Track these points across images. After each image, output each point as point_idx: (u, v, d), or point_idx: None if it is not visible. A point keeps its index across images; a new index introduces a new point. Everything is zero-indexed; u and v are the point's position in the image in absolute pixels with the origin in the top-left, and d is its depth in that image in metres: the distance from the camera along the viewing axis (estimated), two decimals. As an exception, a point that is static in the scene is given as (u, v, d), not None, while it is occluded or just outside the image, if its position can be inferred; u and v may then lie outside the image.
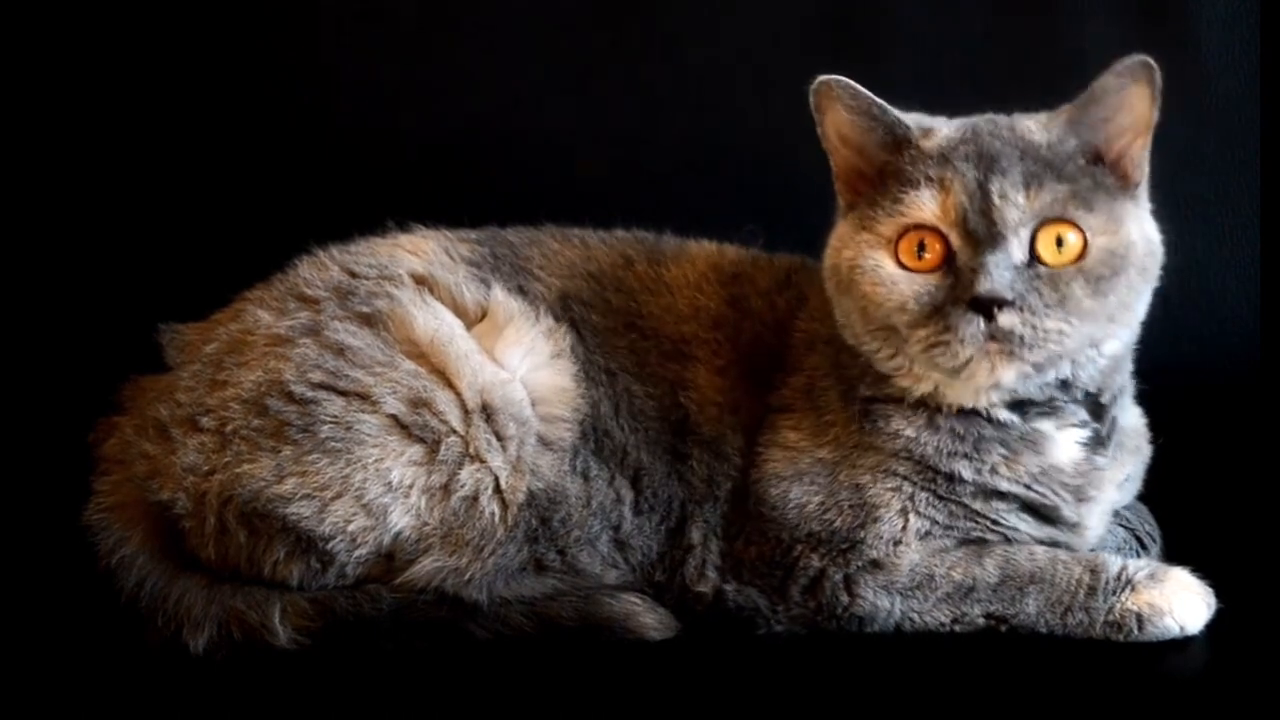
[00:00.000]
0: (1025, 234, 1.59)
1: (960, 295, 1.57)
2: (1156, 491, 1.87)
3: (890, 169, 1.66)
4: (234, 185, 2.51)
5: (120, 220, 2.51)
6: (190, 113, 2.51)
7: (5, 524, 2.05)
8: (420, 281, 1.80)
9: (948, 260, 1.61)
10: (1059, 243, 1.59)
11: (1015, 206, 1.58)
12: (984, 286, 1.56)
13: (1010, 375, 1.61)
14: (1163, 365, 1.83)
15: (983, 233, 1.58)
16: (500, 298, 1.79)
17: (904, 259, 1.62)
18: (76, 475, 1.81)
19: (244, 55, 2.53)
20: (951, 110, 1.75)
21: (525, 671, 1.65)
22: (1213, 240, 2.05)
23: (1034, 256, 1.59)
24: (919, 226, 1.61)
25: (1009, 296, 1.56)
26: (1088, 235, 1.59)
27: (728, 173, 2.48)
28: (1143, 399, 1.83)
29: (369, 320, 1.73)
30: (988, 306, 1.56)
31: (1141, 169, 1.66)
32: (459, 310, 1.78)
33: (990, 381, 1.62)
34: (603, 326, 1.82)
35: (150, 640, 1.70)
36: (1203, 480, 2.06)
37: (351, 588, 1.71)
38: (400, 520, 1.68)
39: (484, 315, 1.79)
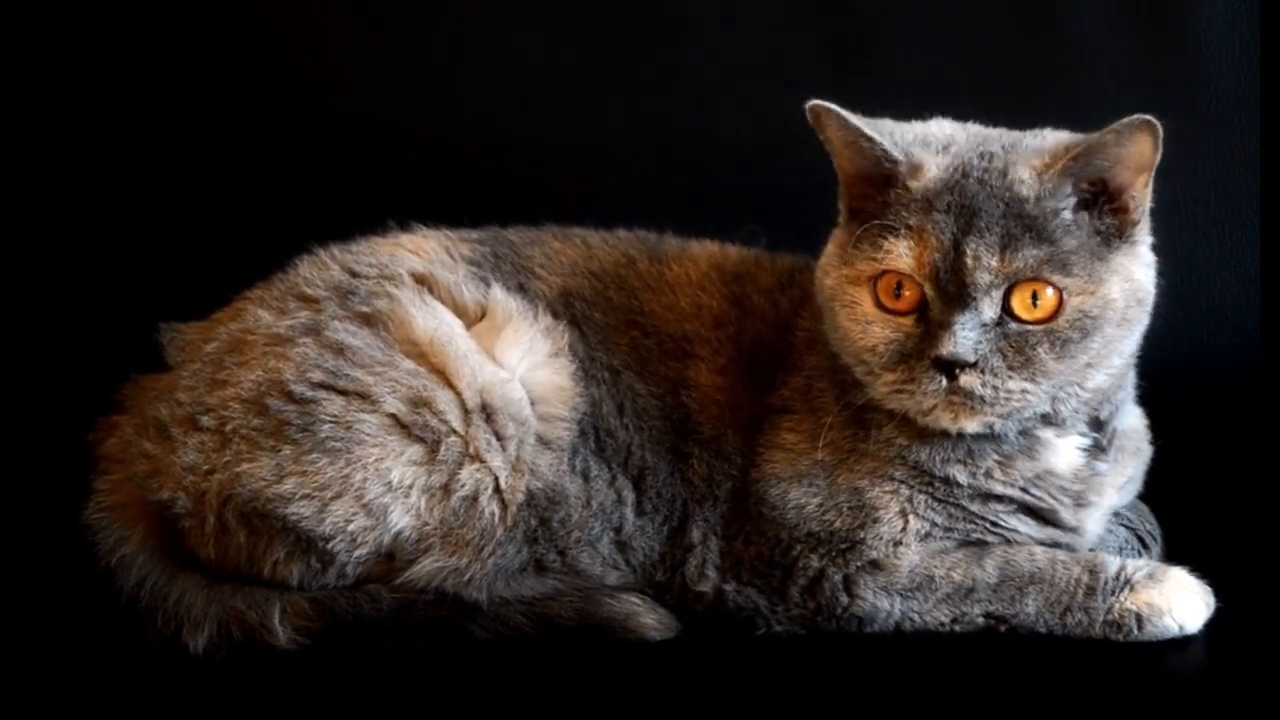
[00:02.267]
0: (997, 295, 1.58)
1: (925, 349, 1.59)
2: (1156, 491, 1.87)
3: (879, 202, 1.65)
4: (234, 185, 2.51)
5: (120, 220, 2.51)
6: (190, 113, 2.51)
7: (5, 524, 2.05)
8: (420, 281, 1.79)
9: (922, 306, 1.61)
10: (1034, 298, 1.59)
11: (987, 271, 1.57)
12: (946, 348, 1.57)
13: (973, 425, 1.63)
14: (1163, 365, 1.83)
15: (953, 292, 1.58)
16: (499, 297, 1.79)
17: (882, 298, 1.63)
18: (76, 475, 1.81)
19: (244, 55, 2.52)
20: (952, 112, 1.75)
21: (525, 671, 1.65)
22: (1213, 240, 2.05)
23: (1008, 310, 1.59)
24: (895, 273, 1.62)
25: (971, 359, 1.57)
26: (1064, 294, 1.59)
27: (729, 173, 2.48)
28: (1143, 399, 1.83)
29: (369, 320, 1.73)
30: (949, 367, 1.57)
31: (1141, 209, 1.64)
32: (459, 310, 1.78)
33: (955, 429, 1.64)
34: (604, 325, 1.82)
35: (150, 640, 1.70)
36: (1203, 480, 2.06)
37: (351, 588, 1.71)
38: (400, 520, 1.68)
39: (484, 314, 1.79)
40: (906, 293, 1.61)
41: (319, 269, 1.82)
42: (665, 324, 1.82)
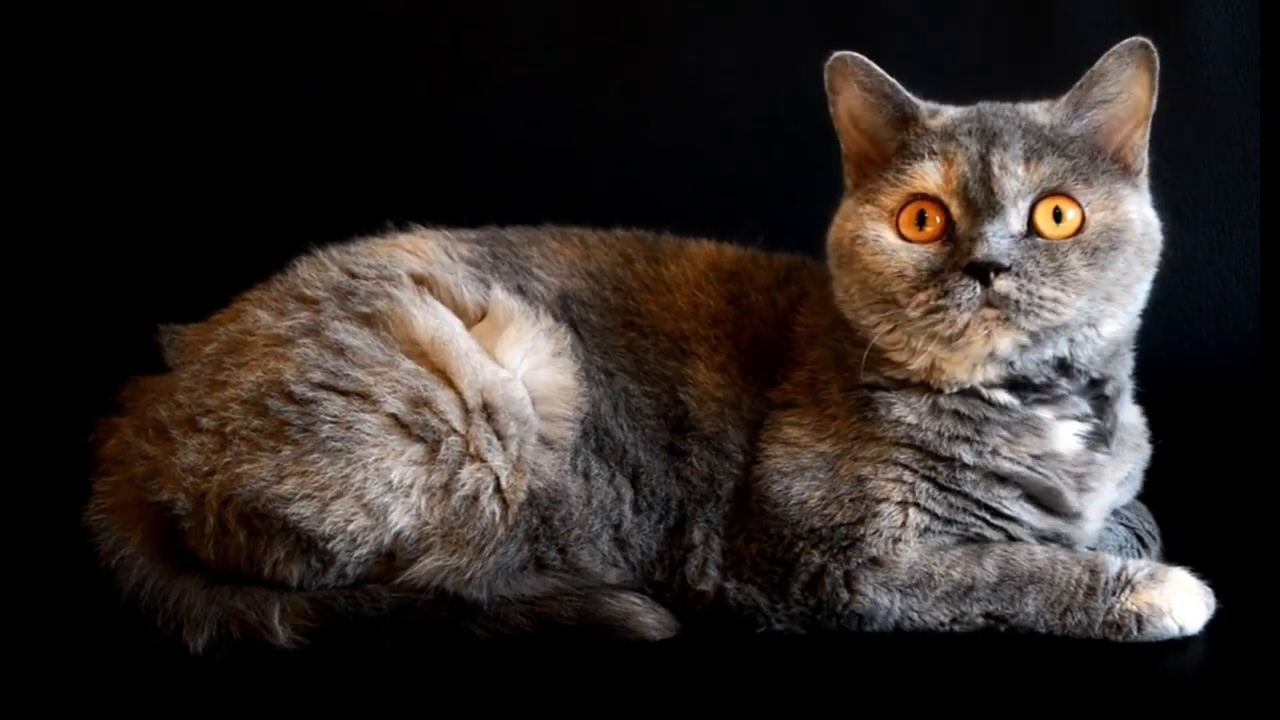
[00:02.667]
0: (1024, 205, 1.62)
1: (958, 261, 1.61)
2: (1156, 491, 1.87)
3: (896, 146, 1.70)
4: (234, 185, 2.51)
5: (120, 220, 2.51)
6: (190, 113, 2.51)
7: (5, 524, 2.05)
8: (420, 281, 1.80)
9: (947, 231, 1.64)
10: (1057, 216, 1.63)
11: (1014, 177, 1.62)
12: (981, 252, 1.59)
13: (1006, 343, 1.63)
14: (1163, 365, 1.83)
15: (982, 202, 1.61)
16: (500, 297, 1.79)
17: (904, 230, 1.66)
18: (76, 475, 1.81)
19: (244, 55, 2.53)
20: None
21: (525, 671, 1.65)
22: (1213, 240, 2.06)
23: (1032, 228, 1.62)
24: (921, 196, 1.65)
25: (1005, 262, 1.59)
26: (1086, 210, 1.63)
27: (728, 172, 2.48)
28: (1143, 399, 1.83)
29: (369, 320, 1.73)
30: (984, 272, 1.59)
31: (1141, 158, 1.70)
32: (458, 310, 1.78)
33: (986, 349, 1.64)
34: (601, 325, 1.82)
35: (150, 640, 1.70)
36: (1203, 480, 2.06)
37: (351, 587, 1.72)
38: (400, 520, 1.68)
39: (484, 315, 1.79)
40: (929, 224, 1.65)
41: (318, 270, 1.82)
42: (662, 324, 1.82)
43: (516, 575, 1.73)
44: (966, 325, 1.61)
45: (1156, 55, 1.65)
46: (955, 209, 1.63)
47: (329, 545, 1.68)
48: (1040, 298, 1.60)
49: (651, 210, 1.99)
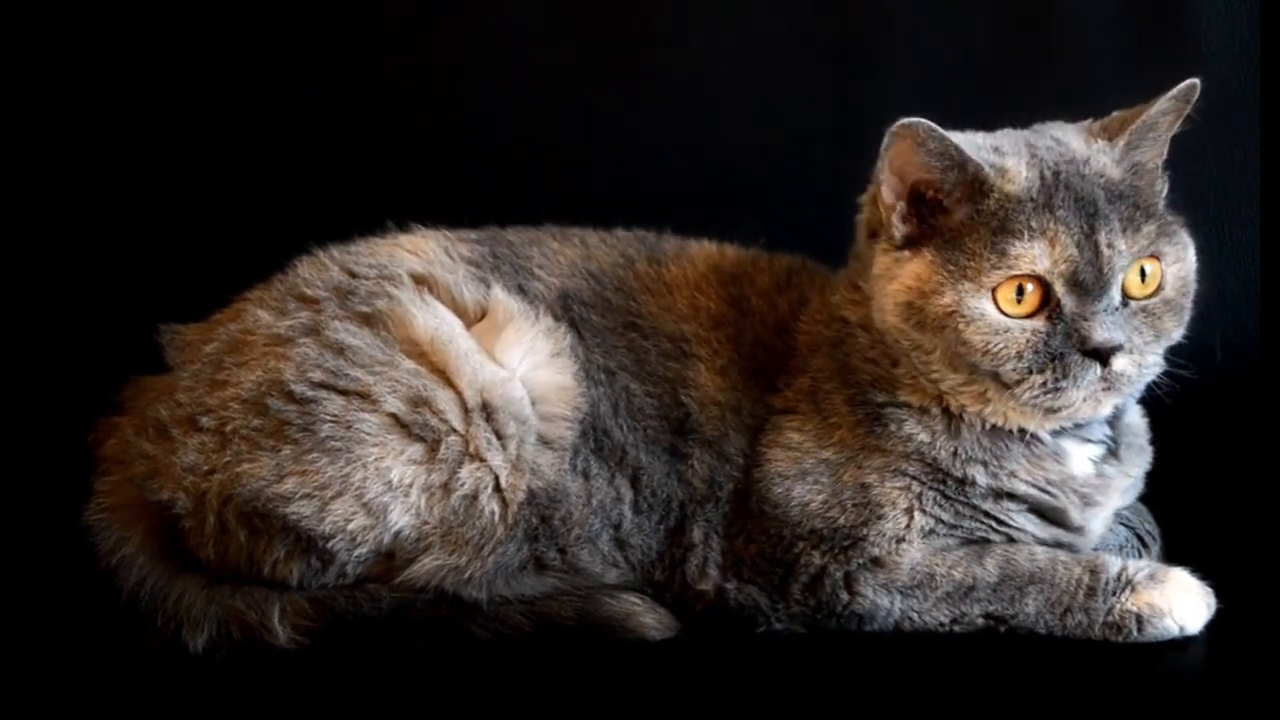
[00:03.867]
0: (1122, 277, 1.61)
1: (1077, 344, 1.60)
2: (1156, 491, 1.87)
3: (972, 218, 1.63)
4: (234, 185, 2.51)
5: (120, 220, 2.51)
6: (190, 112, 2.51)
7: (5, 524, 2.05)
8: (420, 281, 1.79)
9: (1045, 303, 1.61)
10: (1142, 275, 1.62)
11: (1121, 255, 1.60)
12: (1100, 336, 1.59)
13: (1108, 408, 1.67)
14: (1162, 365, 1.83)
15: (1091, 282, 1.59)
16: (500, 297, 1.79)
17: (1004, 305, 1.61)
18: (76, 475, 1.82)
19: (244, 55, 2.52)
20: (952, 111, 1.75)
21: (525, 671, 1.65)
22: (1213, 240, 2.05)
23: (1123, 293, 1.62)
24: (1028, 277, 1.61)
25: (1123, 342, 1.59)
26: (1163, 265, 1.63)
27: (729, 173, 2.48)
28: (1143, 399, 1.82)
29: (369, 320, 1.73)
30: (1106, 355, 1.59)
31: (1164, 180, 1.70)
32: (459, 310, 1.78)
33: (1092, 416, 1.68)
34: (602, 326, 1.82)
35: (150, 640, 1.70)
36: (1203, 480, 2.06)
37: (351, 587, 1.72)
38: (400, 519, 1.68)
39: (484, 314, 1.79)
40: (1027, 297, 1.61)
41: (318, 269, 1.82)
42: (663, 325, 1.82)
43: (516, 575, 1.73)
44: (1085, 399, 1.62)
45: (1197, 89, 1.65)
46: (1058, 287, 1.60)
47: (329, 544, 1.68)
48: (1149, 366, 1.63)
49: (652, 210, 1.99)
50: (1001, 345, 1.61)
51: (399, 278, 1.78)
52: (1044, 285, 1.61)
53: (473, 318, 1.79)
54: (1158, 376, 1.68)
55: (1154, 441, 1.84)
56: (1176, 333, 1.66)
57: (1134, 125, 1.65)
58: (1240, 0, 2.38)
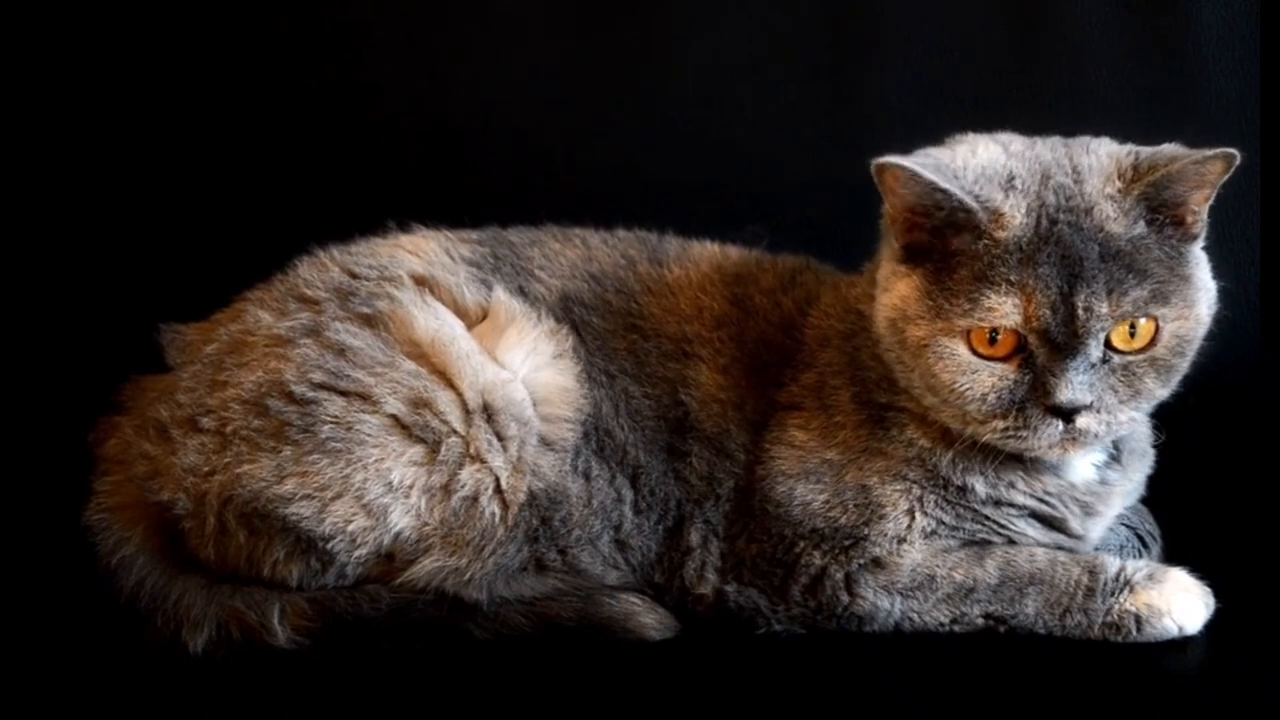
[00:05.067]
0: (1104, 336, 1.58)
1: (1040, 399, 1.58)
2: (1156, 491, 1.87)
3: (963, 252, 1.60)
4: (234, 185, 2.51)
5: (120, 220, 2.51)
6: (191, 112, 2.51)
7: (5, 524, 2.05)
8: (421, 282, 1.79)
9: (1020, 349, 1.59)
10: (1132, 329, 1.58)
11: (1098, 317, 1.56)
12: (1064, 396, 1.56)
13: (1077, 456, 1.66)
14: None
15: (1063, 341, 1.56)
16: (502, 298, 1.79)
17: (977, 345, 1.60)
18: (76, 475, 1.82)
19: (244, 55, 2.53)
20: (951, 110, 1.74)
21: (525, 671, 1.65)
22: (1213, 240, 2.03)
23: (1109, 345, 1.58)
24: (1000, 329, 1.59)
25: (1088, 402, 1.57)
26: (1160, 322, 1.59)
27: (729, 173, 2.48)
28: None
29: (370, 321, 1.73)
30: (1068, 413, 1.58)
31: (1202, 222, 1.63)
32: (460, 311, 1.78)
33: (1060, 460, 1.66)
34: (603, 327, 1.82)
35: (150, 640, 1.70)
36: (1203, 480, 2.06)
37: (351, 588, 1.72)
38: (400, 520, 1.68)
39: (485, 316, 1.79)
40: (1002, 341, 1.59)
41: (319, 270, 1.82)
42: (665, 326, 1.82)
43: (516, 576, 1.73)
44: (1040, 448, 1.61)
45: (1238, 160, 1.58)
46: (1033, 340, 1.57)
47: (329, 546, 1.68)
48: (1118, 423, 1.60)
49: (654, 211, 1.99)
50: (968, 386, 1.60)
51: (400, 279, 1.78)
52: (1019, 335, 1.58)
53: (474, 319, 1.79)
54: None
55: (1154, 443, 1.84)
56: (1161, 392, 1.62)
57: (1152, 179, 1.57)
58: (1240, 0, 2.38)
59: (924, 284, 1.62)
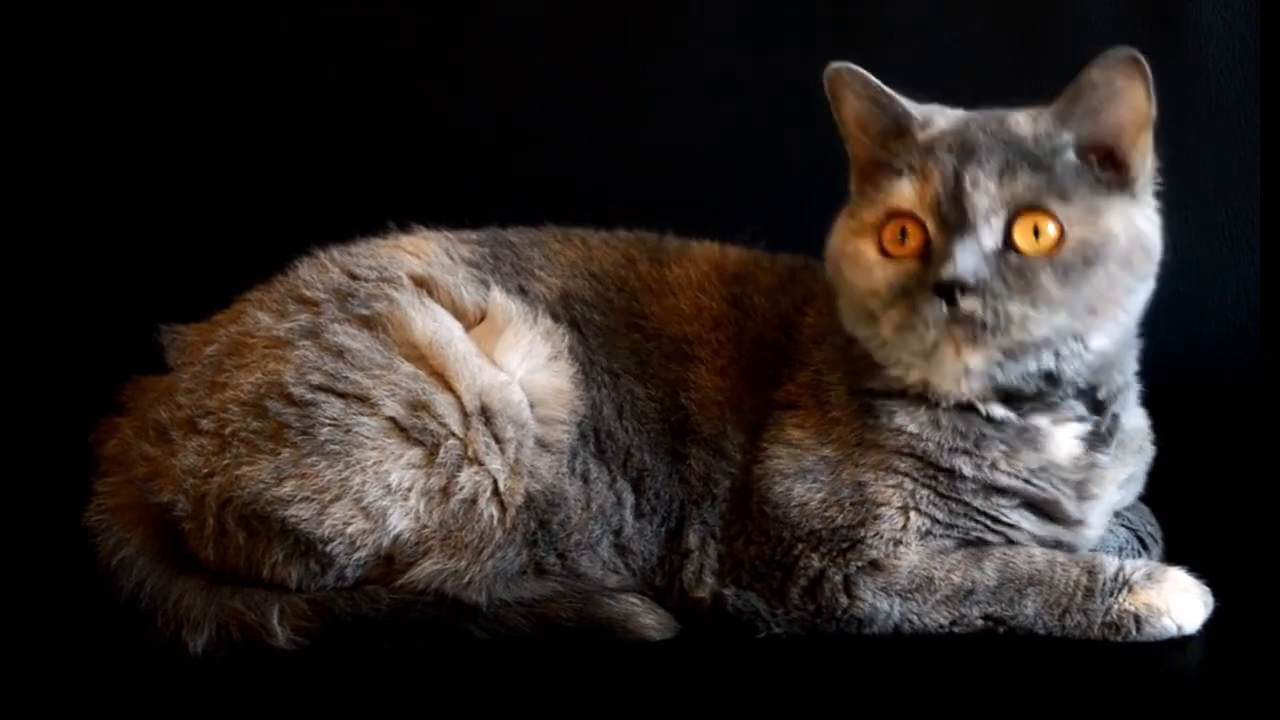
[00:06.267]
0: (998, 222, 1.59)
1: (926, 280, 1.59)
2: (1156, 491, 1.87)
3: (891, 162, 1.68)
4: (234, 185, 2.51)
5: (120, 220, 2.51)
6: (191, 113, 2.51)
7: (5, 524, 2.05)
8: (420, 283, 1.79)
9: (926, 247, 1.62)
10: (1036, 232, 1.59)
11: (986, 194, 1.59)
12: (947, 272, 1.57)
13: (977, 359, 1.62)
14: (1163, 365, 1.83)
15: (954, 219, 1.60)
16: (499, 299, 1.79)
17: (888, 246, 1.64)
18: (76, 476, 1.82)
19: (245, 55, 2.53)
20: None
21: (525, 672, 1.65)
22: (1213, 240, 2.06)
23: (1010, 244, 1.60)
24: (899, 214, 1.64)
25: (970, 281, 1.57)
26: (1064, 226, 1.60)
27: (729, 173, 2.48)
28: (1143, 399, 1.83)
29: (368, 323, 1.73)
30: (950, 290, 1.57)
31: (1139, 166, 1.65)
32: (458, 312, 1.78)
33: (958, 366, 1.63)
34: (605, 327, 1.82)
35: (150, 641, 1.70)
36: (1203, 480, 2.06)
37: (350, 589, 1.72)
38: (399, 523, 1.68)
39: (483, 317, 1.79)
40: (910, 240, 1.63)
41: (318, 271, 1.82)
42: (665, 326, 1.82)
43: (515, 579, 1.73)
44: (936, 343, 1.60)
45: (1146, 64, 1.60)
46: (931, 227, 1.61)
47: (328, 548, 1.68)
48: (1008, 315, 1.58)
49: (654, 211, 1.99)
50: (865, 280, 1.64)
51: (399, 280, 1.78)
52: (924, 228, 1.62)
53: (472, 320, 1.79)
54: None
55: (1155, 442, 1.84)
56: (1062, 297, 1.58)
57: (1065, 94, 1.63)
58: (1240, 0, 2.38)
59: (854, 206, 1.71)
